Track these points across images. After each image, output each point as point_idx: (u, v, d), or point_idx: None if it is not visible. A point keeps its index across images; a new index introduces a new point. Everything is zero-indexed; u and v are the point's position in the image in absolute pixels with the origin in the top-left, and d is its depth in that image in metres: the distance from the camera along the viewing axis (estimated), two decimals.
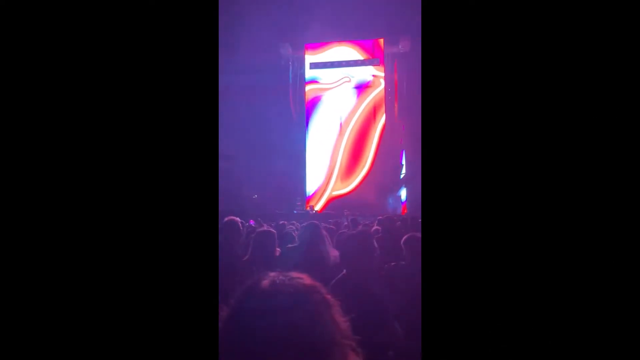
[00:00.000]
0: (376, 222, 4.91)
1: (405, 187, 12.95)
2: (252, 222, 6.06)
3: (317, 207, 12.94)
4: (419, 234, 2.40)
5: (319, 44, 14.11)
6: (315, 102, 14.03)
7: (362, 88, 13.88)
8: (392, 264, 2.55)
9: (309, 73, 14.14)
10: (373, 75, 13.78)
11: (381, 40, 13.78)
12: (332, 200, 13.31)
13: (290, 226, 4.58)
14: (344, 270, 1.93)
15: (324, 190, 13.55)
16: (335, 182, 13.52)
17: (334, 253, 2.38)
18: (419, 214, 5.99)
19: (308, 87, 14.05)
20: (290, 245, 2.83)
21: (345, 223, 6.18)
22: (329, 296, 0.82)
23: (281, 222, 4.80)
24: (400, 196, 12.92)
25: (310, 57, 14.17)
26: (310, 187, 13.67)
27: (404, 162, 13.70)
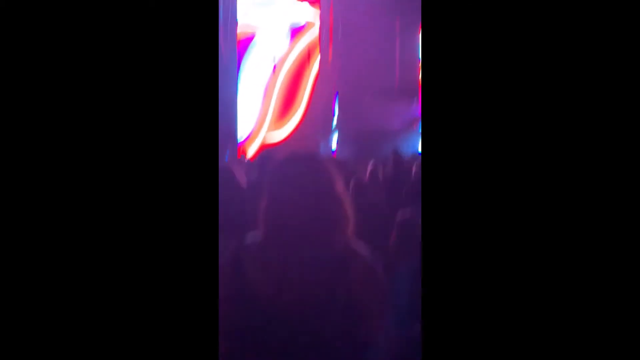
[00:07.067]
0: None
1: (336, 132, 13.05)
2: None
3: (249, 155, 12.64)
4: None
5: None
6: (247, 42, 13.36)
7: (297, 29, 13.40)
8: None
9: (240, 10, 13.32)
10: (307, 22, 13.34)
11: None
12: (263, 149, 13.01)
13: None
14: None
15: (256, 137, 13.23)
16: (269, 128, 13.22)
17: None
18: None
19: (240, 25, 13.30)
20: None
21: None
22: None
23: None
24: (330, 145, 12.98)
25: None
26: (242, 133, 13.23)
27: (336, 108, 13.69)
